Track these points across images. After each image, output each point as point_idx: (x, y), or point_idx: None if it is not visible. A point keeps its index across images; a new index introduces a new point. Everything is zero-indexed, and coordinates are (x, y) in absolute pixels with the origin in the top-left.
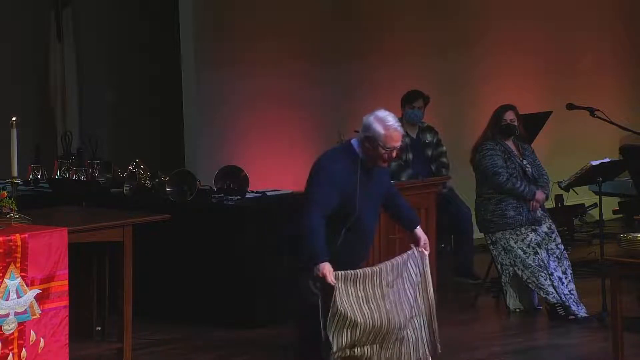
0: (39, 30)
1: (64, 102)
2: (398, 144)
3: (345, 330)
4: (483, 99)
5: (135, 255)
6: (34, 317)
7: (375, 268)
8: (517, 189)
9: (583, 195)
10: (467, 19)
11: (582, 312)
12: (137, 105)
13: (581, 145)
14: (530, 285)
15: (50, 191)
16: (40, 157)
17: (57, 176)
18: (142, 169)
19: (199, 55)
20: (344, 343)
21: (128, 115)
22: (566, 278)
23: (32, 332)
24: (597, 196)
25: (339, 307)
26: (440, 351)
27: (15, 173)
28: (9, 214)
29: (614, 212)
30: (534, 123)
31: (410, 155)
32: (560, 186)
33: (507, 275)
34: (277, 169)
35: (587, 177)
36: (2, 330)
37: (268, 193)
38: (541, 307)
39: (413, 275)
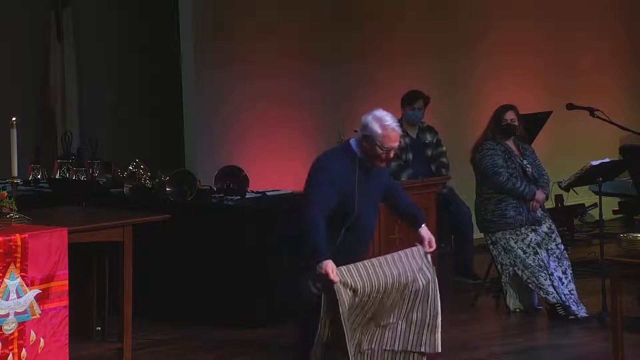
0: (39, 30)
1: (64, 102)
2: (396, 144)
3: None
4: (483, 99)
5: (135, 255)
6: (34, 317)
7: (376, 260)
8: (518, 189)
9: (583, 195)
10: (467, 19)
11: (582, 312)
12: (137, 105)
13: (581, 145)
14: (530, 285)
15: (50, 191)
16: (40, 157)
17: (57, 176)
18: (142, 169)
19: (199, 55)
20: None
21: (128, 115)
22: (566, 278)
23: (32, 332)
24: (597, 196)
25: (343, 308)
26: (439, 351)
27: (15, 173)
28: (9, 214)
29: (614, 212)
30: (534, 123)
31: (410, 155)
32: (560, 186)
33: (507, 275)
34: (277, 169)
35: (587, 177)
36: (2, 330)
37: (268, 193)
38: (541, 307)
39: (420, 276)
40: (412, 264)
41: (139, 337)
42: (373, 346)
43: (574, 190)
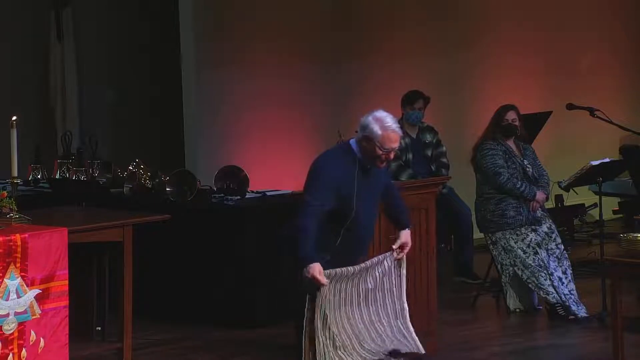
0: (39, 30)
1: (64, 102)
2: (396, 145)
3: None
4: (483, 99)
5: (135, 255)
6: (34, 317)
7: (357, 267)
8: (518, 189)
9: (583, 195)
10: (467, 19)
11: (582, 312)
12: (137, 105)
13: (581, 145)
14: (530, 285)
15: (50, 191)
16: (40, 157)
17: (57, 176)
18: (142, 169)
19: (199, 55)
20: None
21: (128, 115)
22: (566, 278)
23: (32, 332)
24: (597, 196)
25: (323, 306)
26: (423, 352)
27: (15, 173)
28: (9, 214)
29: (614, 212)
30: (534, 123)
31: (410, 156)
32: (560, 186)
33: (507, 275)
34: (277, 169)
35: (587, 177)
36: (2, 330)
37: (268, 193)
38: (541, 307)
39: (383, 278)
40: (378, 269)
41: (139, 337)
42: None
43: (574, 190)
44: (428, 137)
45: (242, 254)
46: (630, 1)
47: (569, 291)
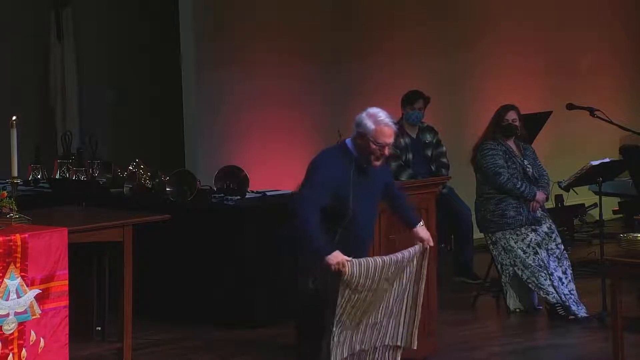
0: (39, 30)
1: (64, 102)
2: (390, 139)
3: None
4: (483, 99)
5: (135, 255)
6: (34, 317)
7: (381, 259)
8: (518, 190)
9: (583, 195)
10: (467, 19)
11: (582, 312)
12: (137, 105)
13: (581, 145)
14: (530, 285)
15: (50, 191)
16: (40, 157)
17: (57, 176)
18: (142, 169)
19: (199, 55)
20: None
21: (128, 115)
22: (566, 278)
23: (32, 332)
24: (597, 196)
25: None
26: (415, 347)
27: (15, 173)
28: (9, 214)
29: (614, 212)
30: (534, 123)
31: (410, 156)
32: (560, 186)
33: (507, 275)
34: (277, 169)
35: (587, 177)
36: (2, 330)
37: (268, 193)
38: (541, 307)
39: (412, 271)
40: (405, 263)
41: (139, 337)
42: (365, 347)
43: (574, 190)
44: (428, 137)
45: (242, 254)
46: (630, 1)
47: (569, 291)
